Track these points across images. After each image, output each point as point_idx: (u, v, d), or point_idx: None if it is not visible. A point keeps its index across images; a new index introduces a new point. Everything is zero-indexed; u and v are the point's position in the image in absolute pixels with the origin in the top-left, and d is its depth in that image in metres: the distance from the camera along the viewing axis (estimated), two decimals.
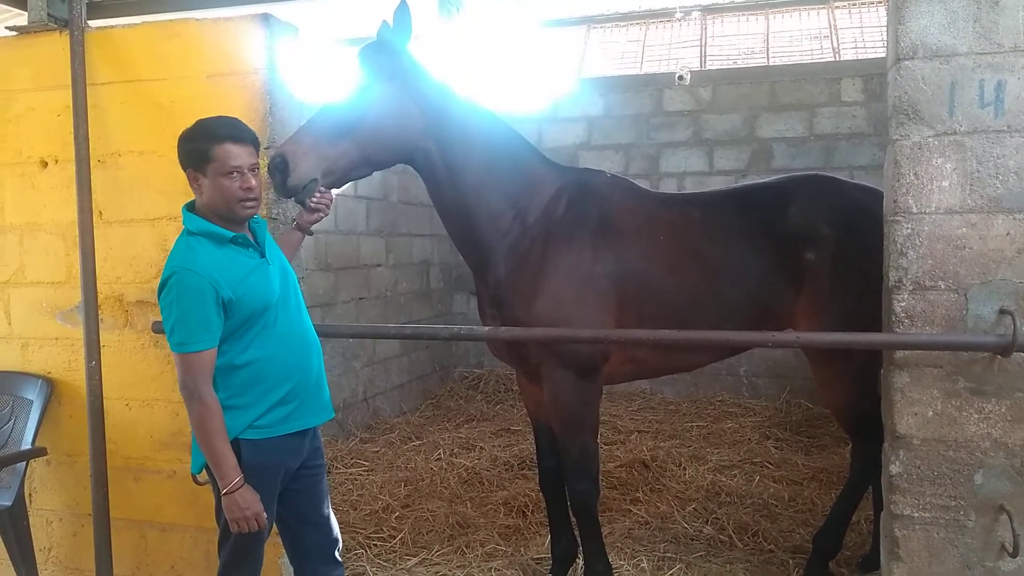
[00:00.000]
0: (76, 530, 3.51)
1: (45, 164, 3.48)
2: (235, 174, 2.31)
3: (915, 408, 2.42)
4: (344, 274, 5.98)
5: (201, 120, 2.41)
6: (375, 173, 3.12)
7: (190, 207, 2.43)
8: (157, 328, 3.26)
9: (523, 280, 2.98)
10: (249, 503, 2.29)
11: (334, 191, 2.85)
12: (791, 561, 3.52)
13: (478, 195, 2.98)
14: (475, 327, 2.98)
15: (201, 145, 2.32)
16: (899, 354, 2.43)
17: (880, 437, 2.58)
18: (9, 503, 3.27)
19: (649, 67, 7.97)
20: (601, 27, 8.67)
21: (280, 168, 2.69)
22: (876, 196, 2.73)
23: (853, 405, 3.08)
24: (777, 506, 4.24)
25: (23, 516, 3.37)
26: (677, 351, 3.13)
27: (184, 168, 2.37)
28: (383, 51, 2.87)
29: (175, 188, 3.28)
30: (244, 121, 2.62)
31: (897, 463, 2.44)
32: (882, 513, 2.58)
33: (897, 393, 2.44)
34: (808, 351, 3.20)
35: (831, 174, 3.49)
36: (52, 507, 3.57)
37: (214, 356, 2.28)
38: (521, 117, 6.83)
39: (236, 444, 2.33)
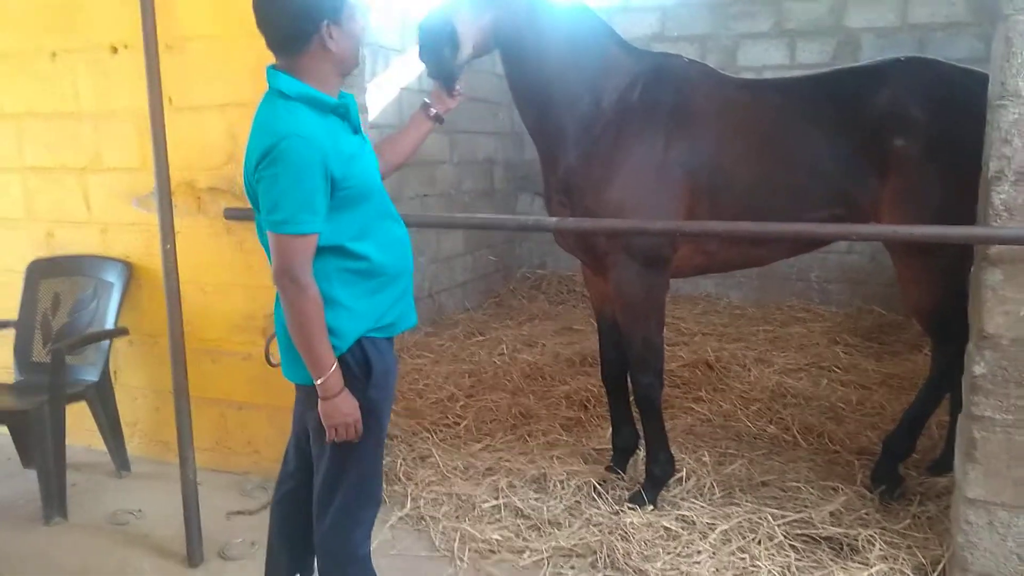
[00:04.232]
0: (159, 406, 3.71)
1: (115, 50, 3.49)
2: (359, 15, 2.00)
3: (1006, 307, 2.29)
4: (408, 170, 5.93)
5: None
6: None
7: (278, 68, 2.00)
8: (229, 215, 3.32)
9: (594, 167, 2.90)
10: (352, 408, 1.98)
11: None
12: (856, 462, 3.47)
13: (561, 78, 2.90)
14: (542, 218, 2.93)
15: None
16: (993, 250, 2.29)
17: (964, 339, 2.47)
18: (96, 378, 3.47)
19: None
20: None
21: (451, 41, 2.31)
22: (980, 80, 2.50)
23: (938, 304, 2.92)
24: (844, 409, 4.16)
25: (109, 391, 3.58)
26: (750, 244, 3.03)
27: (315, 24, 1.92)
28: None
29: (241, 75, 3.26)
30: None
31: (982, 363, 2.34)
32: (960, 414, 2.50)
33: (988, 291, 2.31)
34: (891, 246, 3.02)
35: None
36: (136, 384, 3.77)
37: (315, 243, 1.91)
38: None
39: (359, 346, 2.04)
